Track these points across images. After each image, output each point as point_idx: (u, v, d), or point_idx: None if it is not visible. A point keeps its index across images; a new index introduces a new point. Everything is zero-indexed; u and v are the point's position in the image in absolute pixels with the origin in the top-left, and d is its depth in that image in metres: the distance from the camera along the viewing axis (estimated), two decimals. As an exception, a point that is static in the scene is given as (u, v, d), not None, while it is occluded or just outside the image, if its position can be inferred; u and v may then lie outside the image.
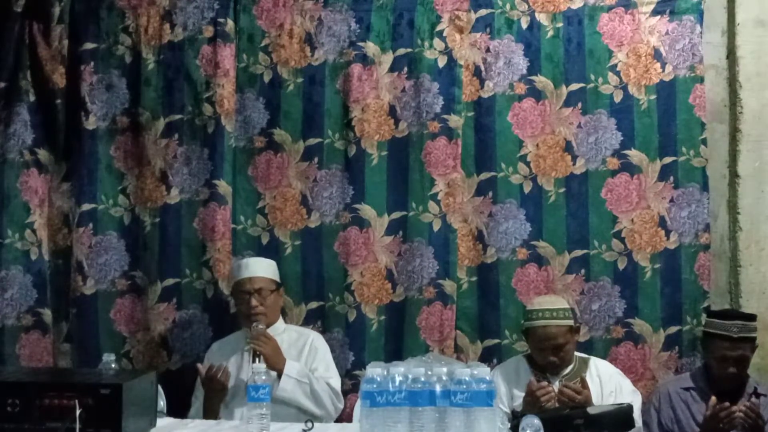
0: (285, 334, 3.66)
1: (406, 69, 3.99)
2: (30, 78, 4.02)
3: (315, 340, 3.69)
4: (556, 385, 3.30)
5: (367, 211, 3.97)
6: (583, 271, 3.90)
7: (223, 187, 3.96)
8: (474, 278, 3.95)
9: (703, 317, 3.73)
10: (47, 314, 3.97)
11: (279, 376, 3.46)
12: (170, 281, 3.96)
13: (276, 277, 3.74)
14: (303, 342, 3.66)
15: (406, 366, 2.38)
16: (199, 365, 3.58)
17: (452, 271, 3.90)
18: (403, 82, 3.99)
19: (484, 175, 3.96)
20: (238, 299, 3.69)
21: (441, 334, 3.88)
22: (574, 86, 3.95)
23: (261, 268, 3.70)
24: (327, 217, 3.99)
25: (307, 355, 3.62)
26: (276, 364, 3.46)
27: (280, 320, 3.74)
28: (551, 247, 3.91)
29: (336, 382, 3.59)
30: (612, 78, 3.94)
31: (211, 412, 3.46)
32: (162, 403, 3.14)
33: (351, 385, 3.80)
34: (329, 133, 4.01)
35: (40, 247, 4.01)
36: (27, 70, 4.02)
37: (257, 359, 3.40)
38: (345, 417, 3.66)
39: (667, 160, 3.90)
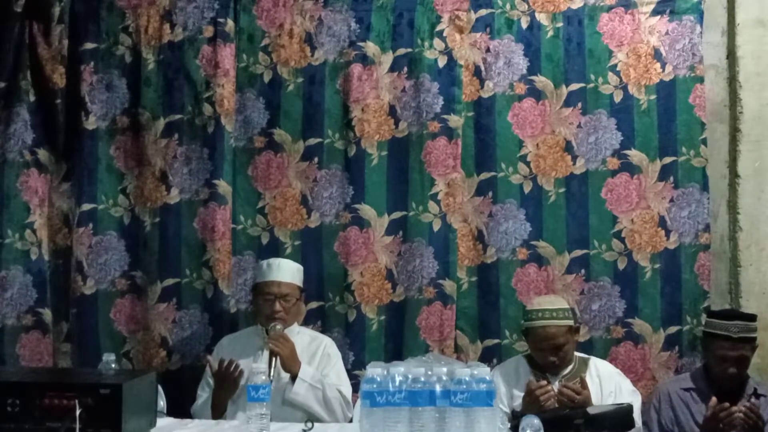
0: (298, 336, 3.62)
1: (406, 69, 3.99)
2: (30, 78, 4.02)
3: (328, 346, 3.66)
4: (555, 385, 3.30)
5: (367, 211, 3.97)
6: (583, 271, 3.90)
7: (223, 187, 3.96)
8: (474, 278, 3.95)
9: (703, 317, 3.73)
10: (47, 314, 3.97)
11: (292, 378, 3.44)
12: (170, 281, 3.96)
13: (302, 284, 3.71)
14: (316, 346, 3.63)
15: (406, 366, 2.38)
16: (209, 358, 3.57)
17: (452, 271, 3.91)
18: (403, 82, 3.99)
19: (484, 175, 3.96)
20: (261, 299, 3.61)
21: (441, 334, 3.88)
22: (574, 86, 3.95)
23: (290, 274, 3.65)
24: (327, 217, 3.99)
25: (320, 361, 3.58)
26: (291, 366, 3.44)
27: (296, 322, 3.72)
28: (551, 247, 3.92)
29: (347, 390, 3.54)
30: (612, 78, 3.94)
31: (219, 407, 3.45)
32: (162, 403, 3.15)
33: (351, 385, 3.79)
34: (329, 133, 4.01)
35: (40, 247, 4.01)
36: (27, 70, 4.02)
37: (274, 360, 3.39)
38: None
39: (667, 160, 3.90)
